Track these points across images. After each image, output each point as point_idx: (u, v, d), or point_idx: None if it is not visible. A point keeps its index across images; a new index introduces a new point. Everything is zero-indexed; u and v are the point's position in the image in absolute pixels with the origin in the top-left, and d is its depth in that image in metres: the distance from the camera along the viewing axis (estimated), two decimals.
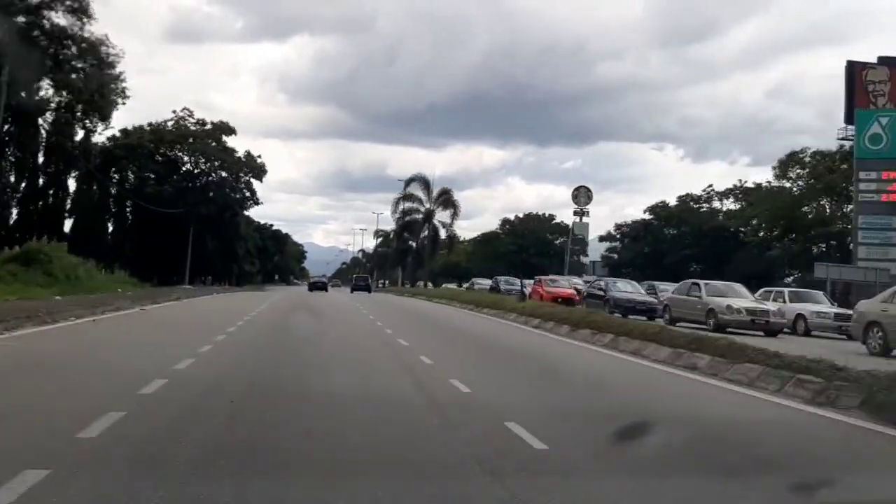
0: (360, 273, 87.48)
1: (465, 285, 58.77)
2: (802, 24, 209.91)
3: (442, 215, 53.43)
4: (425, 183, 53.54)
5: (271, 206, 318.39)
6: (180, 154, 67.75)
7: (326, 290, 61.23)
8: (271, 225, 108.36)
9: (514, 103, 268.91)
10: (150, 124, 66.35)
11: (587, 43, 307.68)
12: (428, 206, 53.70)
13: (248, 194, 71.66)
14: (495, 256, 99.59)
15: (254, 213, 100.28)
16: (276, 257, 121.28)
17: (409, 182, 54.44)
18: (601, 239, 73.73)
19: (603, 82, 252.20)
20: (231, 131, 68.96)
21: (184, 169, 68.78)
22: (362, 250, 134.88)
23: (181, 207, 63.76)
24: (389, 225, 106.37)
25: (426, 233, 53.97)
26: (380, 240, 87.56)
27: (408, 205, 55.17)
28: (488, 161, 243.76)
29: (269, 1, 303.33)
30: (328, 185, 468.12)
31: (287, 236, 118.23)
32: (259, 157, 71.00)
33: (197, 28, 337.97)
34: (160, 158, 67.05)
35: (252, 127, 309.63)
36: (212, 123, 68.22)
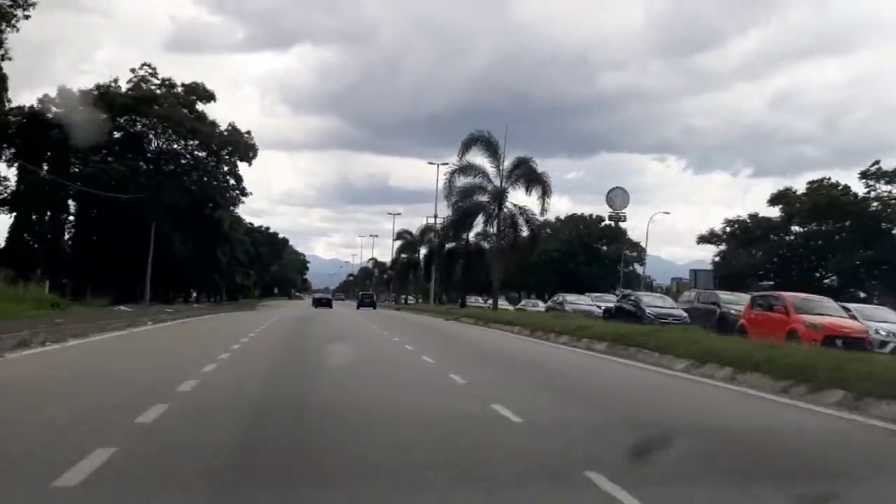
0: (366, 291, 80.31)
1: (538, 306, 40.83)
2: (805, 34, 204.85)
3: (519, 198, 34.76)
4: (491, 148, 33.75)
5: (273, 219, 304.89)
6: (142, 128, 50.46)
7: (331, 307, 58.82)
8: (267, 228, 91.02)
9: (515, 114, 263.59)
10: (98, 86, 49.20)
11: (589, 54, 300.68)
12: (497, 182, 34.15)
13: (232, 182, 54.36)
14: (530, 265, 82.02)
15: (247, 216, 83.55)
16: (272, 267, 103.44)
17: (467, 145, 34.11)
18: (700, 240, 55.93)
19: (605, 93, 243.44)
20: (209, 97, 51.82)
21: (151, 148, 51.57)
22: (374, 259, 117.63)
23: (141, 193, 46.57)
24: (408, 226, 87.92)
25: (494, 225, 34.69)
26: (399, 244, 70.30)
27: (466, 181, 34.66)
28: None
29: (270, 11, 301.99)
30: (330, 197, 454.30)
31: (285, 242, 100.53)
32: (248, 133, 53.87)
33: (198, 38, 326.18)
34: (118, 134, 49.96)
35: (254, 138, 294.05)
36: (183, 85, 51.04)
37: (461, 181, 34.10)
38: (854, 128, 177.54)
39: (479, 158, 33.74)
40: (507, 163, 33.56)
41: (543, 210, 34.55)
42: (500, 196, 33.53)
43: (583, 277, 75.75)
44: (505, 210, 33.71)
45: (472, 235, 41.96)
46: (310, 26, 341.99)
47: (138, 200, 46.10)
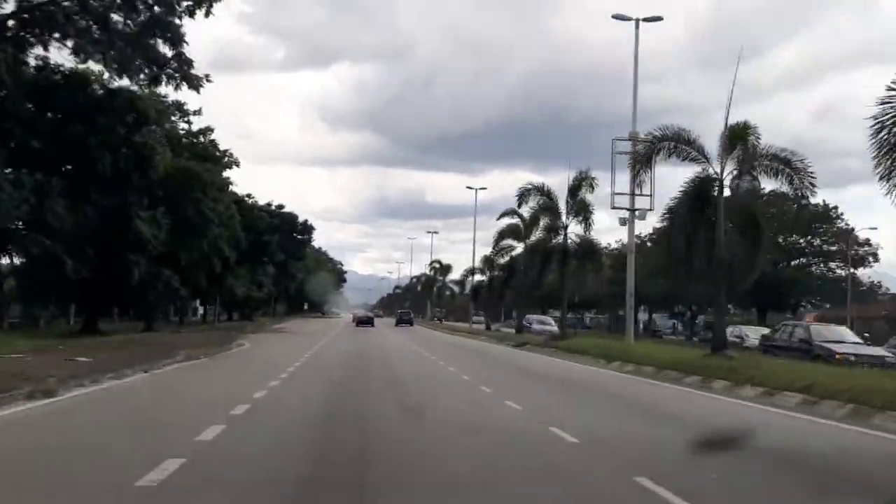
0: (404, 308, 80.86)
1: None
2: (850, 43, 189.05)
3: None
4: None
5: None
6: None
7: (373, 325, 57.73)
8: (281, 206, 58.90)
9: (553, 128, 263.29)
10: None
11: (628, 66, 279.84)
12: None
13: (171, 60, 23.31)
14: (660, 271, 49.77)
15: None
16: (297, 272, 72.08)
17: None
18: None
19: (644, 106, 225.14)
20: None
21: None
22: (437, 262, 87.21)
23: None
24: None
25: None
26: (507, 227, 38.90)
27: None
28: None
29: (310, 30, 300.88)
30: (367, 212, 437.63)
31: (309, 231, 68.17)
32: None
33: (239, 58, 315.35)
34: None
35: (292, 155, 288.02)
36: None
37: None
38: None
39: None
40: None
41: None
42: None
43: (770, 285, 43.64)
44: None
45: None
46: (348, 43, 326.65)
47: None
